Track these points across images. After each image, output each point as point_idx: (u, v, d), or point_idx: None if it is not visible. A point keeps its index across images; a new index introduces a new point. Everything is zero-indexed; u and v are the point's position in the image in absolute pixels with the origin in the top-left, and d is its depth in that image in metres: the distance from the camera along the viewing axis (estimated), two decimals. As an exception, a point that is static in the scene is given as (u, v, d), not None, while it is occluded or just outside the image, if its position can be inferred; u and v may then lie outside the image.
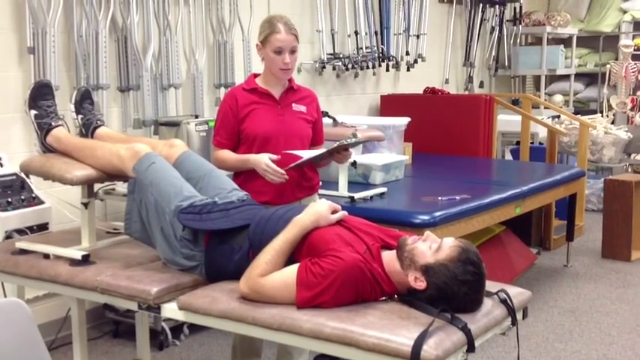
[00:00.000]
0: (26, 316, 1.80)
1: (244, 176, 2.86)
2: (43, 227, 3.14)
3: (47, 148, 2.78)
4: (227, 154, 2.88)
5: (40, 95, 2.78)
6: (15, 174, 3.16)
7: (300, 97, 2.98)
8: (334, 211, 2.25)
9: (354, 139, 2.87)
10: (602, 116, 6.96)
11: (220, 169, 2.82)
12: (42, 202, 3.18)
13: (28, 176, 3.13)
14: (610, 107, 7.31)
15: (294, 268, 2.09)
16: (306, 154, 2.80)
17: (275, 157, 2.75)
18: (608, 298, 4.46)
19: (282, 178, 2.73)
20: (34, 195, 3.18)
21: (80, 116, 2.86)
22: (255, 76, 2.98)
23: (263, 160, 2.74)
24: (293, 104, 2.94)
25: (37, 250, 2.63)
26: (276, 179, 2.73)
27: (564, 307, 4.30)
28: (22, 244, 2.68)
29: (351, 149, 2.90)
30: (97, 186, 2.81)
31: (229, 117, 2.89)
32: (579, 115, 6.36)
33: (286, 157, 2.78)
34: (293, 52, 2.84)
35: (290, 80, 2.96)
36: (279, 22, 2.81)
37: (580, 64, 8.34)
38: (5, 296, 2.98)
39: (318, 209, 2.23)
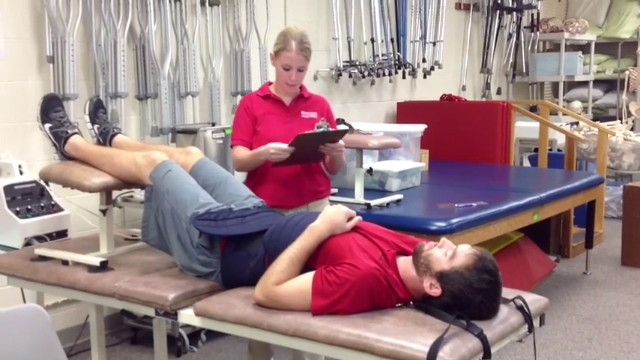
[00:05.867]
0: (45, 322, 1.82)
1: (253, 180, 2.97)
2: (62, 234, 3.16)
3: (67, 157, 2.81)
4: (243, 153, 2.94)
5: (51, 108, 2.81)
6: (34, 181, 3.19)
7: (310, 103, 3.07)
8: (349, 218, 2.25)
9: (321, 129, 2.90)
10: (621, 123, 6.89)
11: (239, 170, 3.00)
12: (61, 210, 3.21)
13: (47, 183, 3.16)
14: (629, 114, 7.25)
15: (309, 276, 2.09)
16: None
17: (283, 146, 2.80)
18: (628, 305, 4.42)
19: (287, 152, 2.78)
20: (53, 202, 3.20)
21: (96, 126, 2.88)
22: (270, 83, 3.11)
23: (268, 146, 2.81)
24: (302, 111, 3.03)
25: (56, 256, 2.65)
26: (283, 155, 2.79)
27: (583, 314, 4.26)
28: (41, 250, 2.71)
29: (340, 141, 2.90)
30: (115, 193, 2.83)
31: (245, 117, 2.99)
32: (598, 122, 6.32)
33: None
34: (301, 70, 2.93)
35: (302, 88, 3.06)
36: (293, 40, 2.88)
37: (599, 71, 8.29)
38: (25, 302, 3.00)
39: (334, 218, 2.22)
